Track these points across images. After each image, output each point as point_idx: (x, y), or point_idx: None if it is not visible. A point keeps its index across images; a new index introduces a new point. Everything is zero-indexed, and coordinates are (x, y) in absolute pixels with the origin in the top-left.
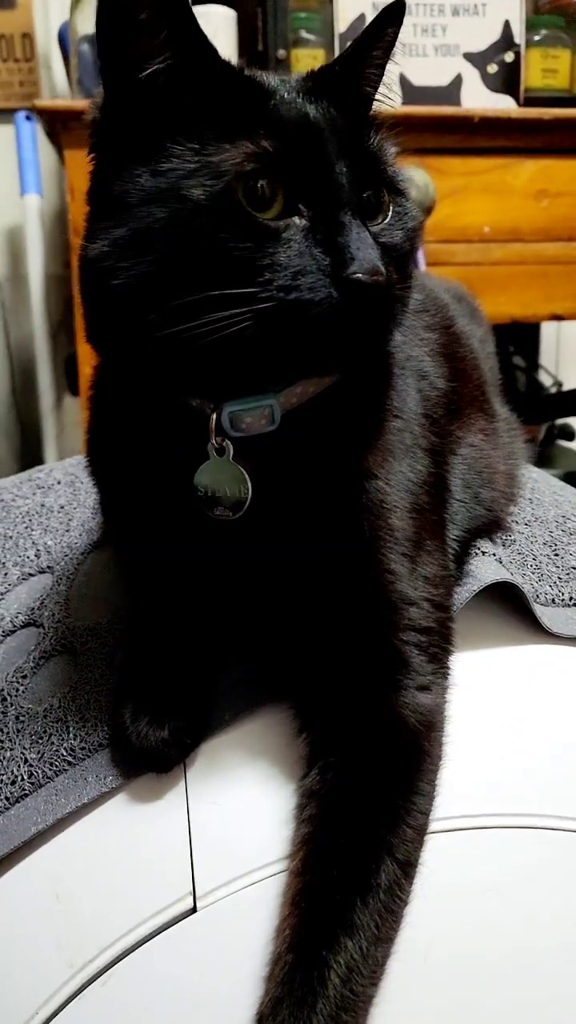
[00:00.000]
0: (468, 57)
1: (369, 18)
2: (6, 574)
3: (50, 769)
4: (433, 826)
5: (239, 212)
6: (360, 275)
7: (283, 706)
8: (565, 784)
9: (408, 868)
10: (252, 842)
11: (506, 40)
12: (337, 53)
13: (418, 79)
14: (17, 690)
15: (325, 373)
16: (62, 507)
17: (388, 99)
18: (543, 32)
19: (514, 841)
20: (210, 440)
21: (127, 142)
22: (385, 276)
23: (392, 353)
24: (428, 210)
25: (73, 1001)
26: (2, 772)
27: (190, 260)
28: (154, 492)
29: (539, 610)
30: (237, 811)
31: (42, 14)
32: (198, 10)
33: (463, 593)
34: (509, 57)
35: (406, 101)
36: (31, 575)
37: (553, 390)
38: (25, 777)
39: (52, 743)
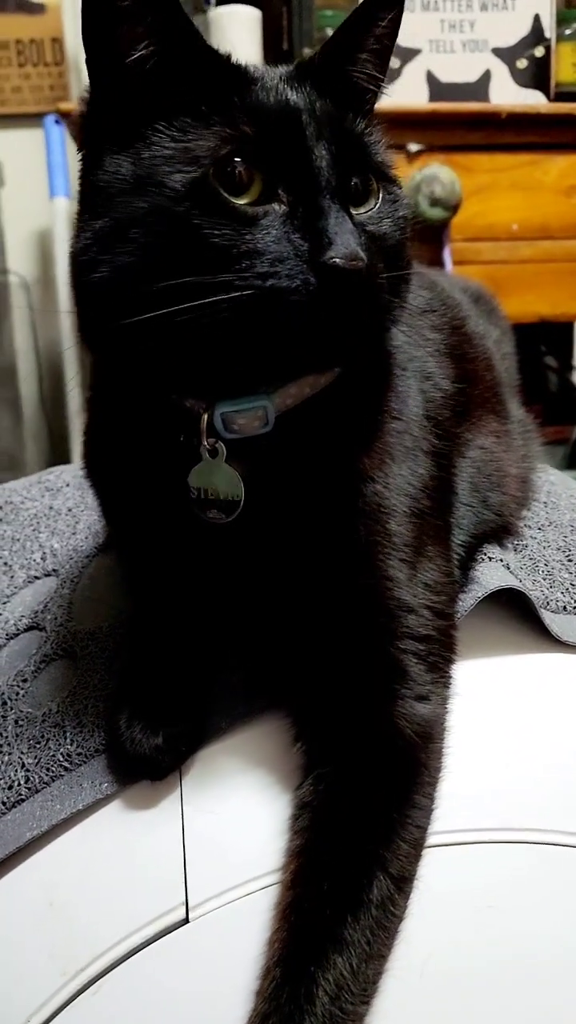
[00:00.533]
0: (497, 52)
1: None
2: (12, 577)
3: (47, 774)
4: (432, 840)
5: (216, 198)
6: (337, 260)
7: (281, 714)
8: (570, 799)
9: (402, 883)
10: (246, 852)
11: (536, 34)
12: None
13: (446, 76)
14: (17, 694)
15: (310, 365)
16: (70, 510)
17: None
18: (574, 26)
19: (516, 857)
20: (202, 441)
21: (111, 133)
22: (366, 262)
23: (391, 353)
24: (454, 208)
25: (65, 1009)
26: (0, 776)
27: (168, 249)
28: (150, 495)
29: (548, 618)
30: (232, 820)
31: (72, 19)
32: (223, 10)
33: (467, 600)
34: (539, 52)
35: (434, 98)
36: (37, 578)
37: None
38: (22, 782)
39: (49, 748)
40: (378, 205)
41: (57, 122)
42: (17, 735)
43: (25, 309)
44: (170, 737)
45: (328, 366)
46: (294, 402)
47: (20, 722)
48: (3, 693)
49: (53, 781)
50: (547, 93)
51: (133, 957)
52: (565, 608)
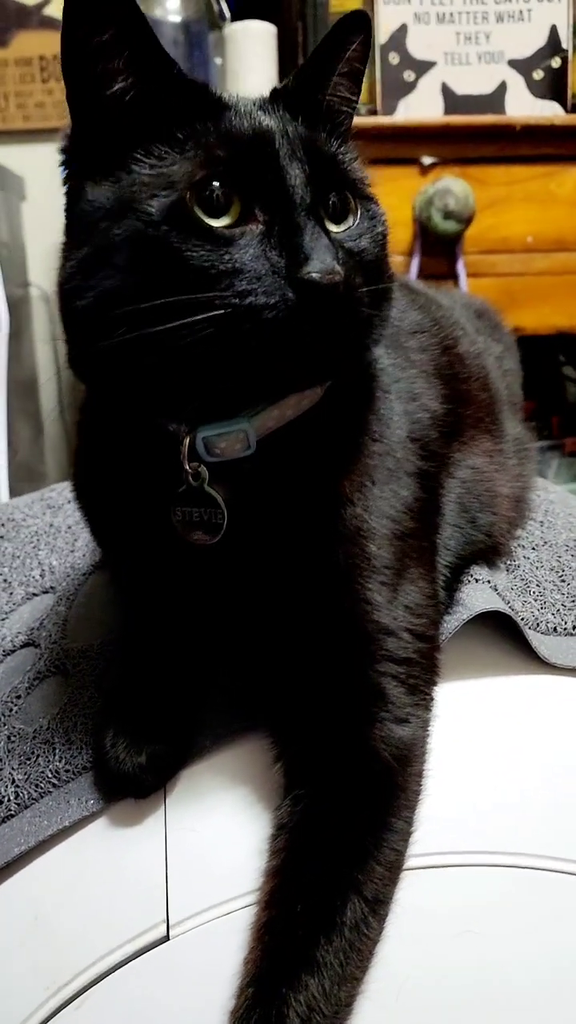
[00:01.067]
0: (513, 64)
1: (410, 28)
2: (11, 593)
3: (35, 791)
4: (411, 862)
5: (193, 221)
6: (314, 274)
7: (264, 734)
8: (549, 822)
9: (377, 906)
10: (227, 871)
11: (552, 46)
12: (379, 65)
13: (461, 88)
14: (11, 710)
15: (291, 381)
16: (69, 527)
17: (358, 110)
18: None
19: (495, 881)
20: (184, 465)
21: (91, 164)
22: (342, 276)
23: (375, 376)
24: (468, 220)
25: (48, 1023)
26: None
27: (149, 272)
28: (136, 518)
29: (536, 639)
30: (214, 839)
31: None
32: (238, 26)
33: (452, 622)
34: (556, 63)
35: (449, 110)
36: (35, 595)
37: None
38: (12, 798)
39: (39, 764)
40: (356, 222)
41: None
42: (9, 751)
43: (46, 322)
44: (154, 756)
45: (309, 382)
46: (275, 425)
47: (12, 738)
48: None
49: (42, 797)
50: (564, 104)
51: (115, 973)
52: (555, 629)
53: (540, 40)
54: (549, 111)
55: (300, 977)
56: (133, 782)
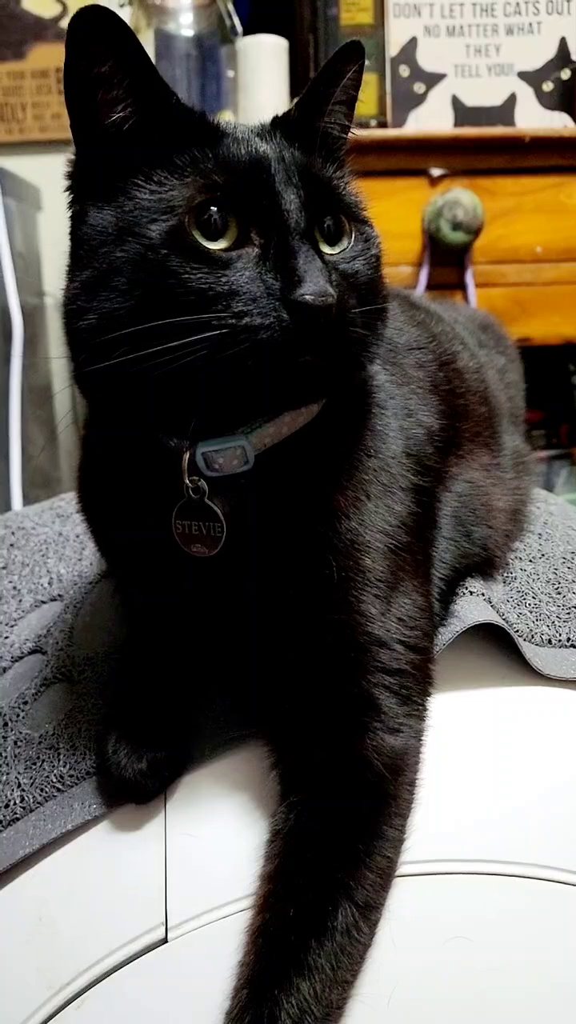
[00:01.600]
0: (523, 76)
1: (420, 42)
2: (20, 601)
3: (40, 795)
4: (403, 869)
5: (192, 244)
6: (307, 296)
7: (261, 742)
8: (541, 832)
9: (368, 911)
10: (226, 876)
11: (562, 57)
12: (389, 78)
13: (471, 100)
14: (18, 715)
15: (287, 399)
16: (78, 536)
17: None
18: None
19: (485, 888)
20: (184, 480)
21: (94, 189)
22: (335, 298)
23: (370, 392)
24: (476, 231)
25: (51, 1021)
26: None
27: (149, 294)
28: (138, 530)
29: (530, 651)
30: (213, 844)
31: None
32: (250, 40)
33: (446, 634)
34: (565, 75)
35: (459, 122)
36: (43, 602)
37: None
38: (17, 801)
39: (44, 769)
40: (350, 244)
41: None
42: (15, 756)
43: (61, 331)
44: (154, 762)
45: (304, 401)
46: (272, 441)
47: (19, 743)
48: (5, 714)
49: (46, 801)
50: (573, 115)
51: (115, 974)
52: (550, 641)
53: (549, 52)
54: (559, 122)
55: (292, 980)
56: (134, 788)
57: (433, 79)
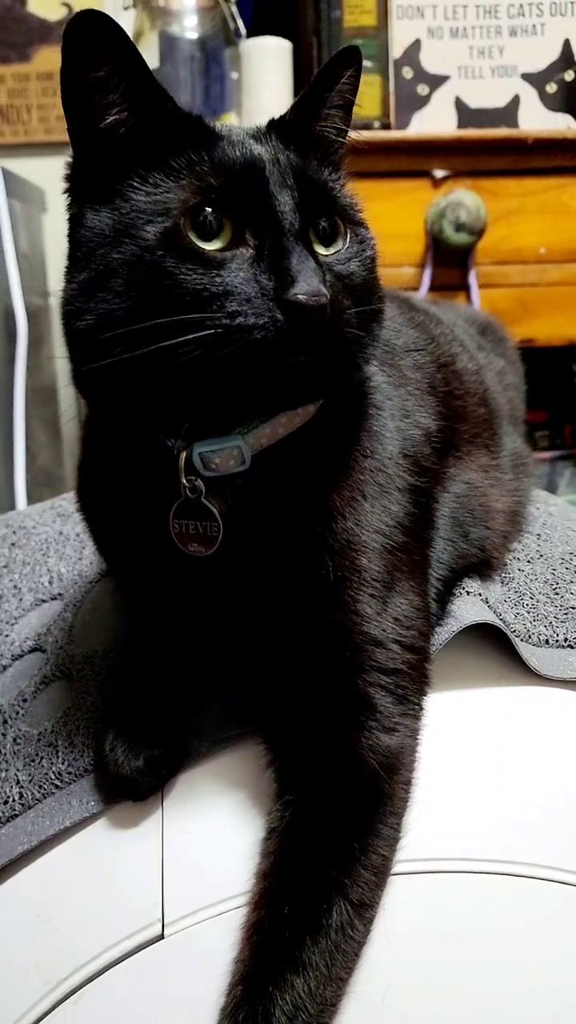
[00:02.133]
0: (526, 77)
1: (424, 44)
2: (21, 599)
3: (39, 791)
4: (398, 867)
5: (187, 246)
6: (300, 296)
7: (258, 740)
8: (537, 831)
9: (363, 909)
10: (222, 873)
11: (566, 59)
12: (392, 79)
13: (474, 101)
14: (18, 713)
15: (282, 399)
16: (78, 535)
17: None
18: None
19: (480, 886)
20: (180, 480)
21: (91, 191)
22: (328, 298)
23: (367, 393)
24: (479, 232)
25: (47, 1017)
26: None
27: (145, 295)
28: (136, 530)
29: (527, 651)
30: (210, 841)
31: None
32: (254, 42)
33: (443, 634)
34: (569, 76)
35: (462, 124)
36: (44, 601)
37: None
38: (16, 798)
39: (42, 766)
40: (345, 246)
41: None
42: (15, 753)
43: (61, 331)
44: (151, 760)
45: (299, 401)
46: (269, 442)
47: (18, 740)
48: (4, 712)
49: (45, 798)
50: None
51: (111, 970)
52: (547, 641)
53: (553, 54)
54: (562, 124)
55: (287, 976)
56: (131, 785)
57: (436, 81)
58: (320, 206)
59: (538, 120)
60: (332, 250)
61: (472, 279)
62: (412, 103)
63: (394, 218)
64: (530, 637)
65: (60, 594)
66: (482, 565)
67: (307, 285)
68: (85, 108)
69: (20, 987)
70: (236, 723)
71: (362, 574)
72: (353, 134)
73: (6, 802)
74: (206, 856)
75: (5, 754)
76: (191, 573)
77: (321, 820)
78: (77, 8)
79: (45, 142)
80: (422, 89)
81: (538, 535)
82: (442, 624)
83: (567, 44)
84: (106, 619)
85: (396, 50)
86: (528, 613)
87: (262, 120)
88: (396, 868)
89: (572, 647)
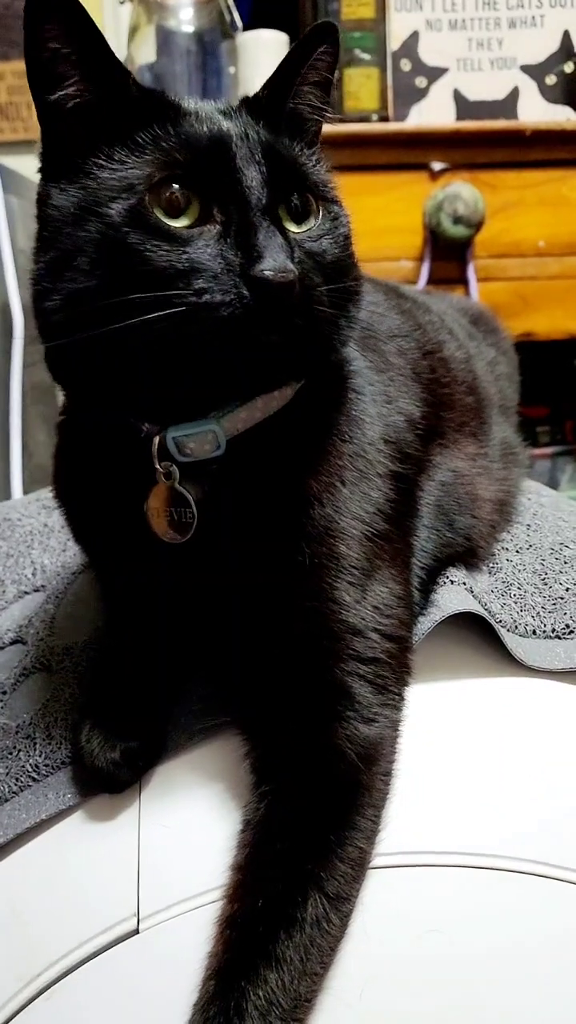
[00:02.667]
0: (525, 69)
1: (422, 36)
2: (4, 592)
3: (15, 784)
4: (377, 861)
5: (153, 223)
6: (267, 272)
7: (237, 730)
8: (520, 825)
9: (339, 903)
10: (199, 867)
11: (565, 50)
12: (391, 72)
13: (473, 94)
14: None
15: (253, 380)
16: (63, 527)
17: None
18: None
19: (461, 880)
20: (154, 464)
21: (57, 169)
22: (296, 274)
23: (346, 377)
24: (477, 225)
25: (20, 1014)
26: None
27: (112, 273)
28: (112, 517)
29: (513, 642)
30: (187, 834)
31: (114, 46)
32: (250, 35)
33: (425, 623)
34: (569, 67)
35: (461, 116)
36: (27, 593)
37: None
38: None
39: (19, 759)
40: (317, 223)
41: None
42: None
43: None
44: (128, 752)
45: (271, 382)
46: (244, 426)
47: None
48: None
49: (21, 791)
50: None
51: (85, 965)
52: (534, 632)
53: (553, 45)
54: (562, 116)
55: (259, 971)
56: (107, 777)
57: (435, 73)
58: (290, 182)
59: (538, 112)
60: (304, 227)
61: (470, 272)
62: (410, 95)
63: (392, 211)
64: (517, 627)
65: (43, 586)
66: (468, 554)
67: (273, 261)
68: (45, 81)
69: None
70: (215, 714)
71: (340, 561)
72: (350, 126)
73: None
74: (183, 849)
75: None
76: (167, 561)
77: (297, 812)
78: None
79: None
80: (420, 81)
81: (528, 525)
82: (425, 614)
83: (567, 35)
84: (88, 610)
85: (394, 42)
86: (515, 603)
87: None
88: (376, 861)
89: (560, 637)
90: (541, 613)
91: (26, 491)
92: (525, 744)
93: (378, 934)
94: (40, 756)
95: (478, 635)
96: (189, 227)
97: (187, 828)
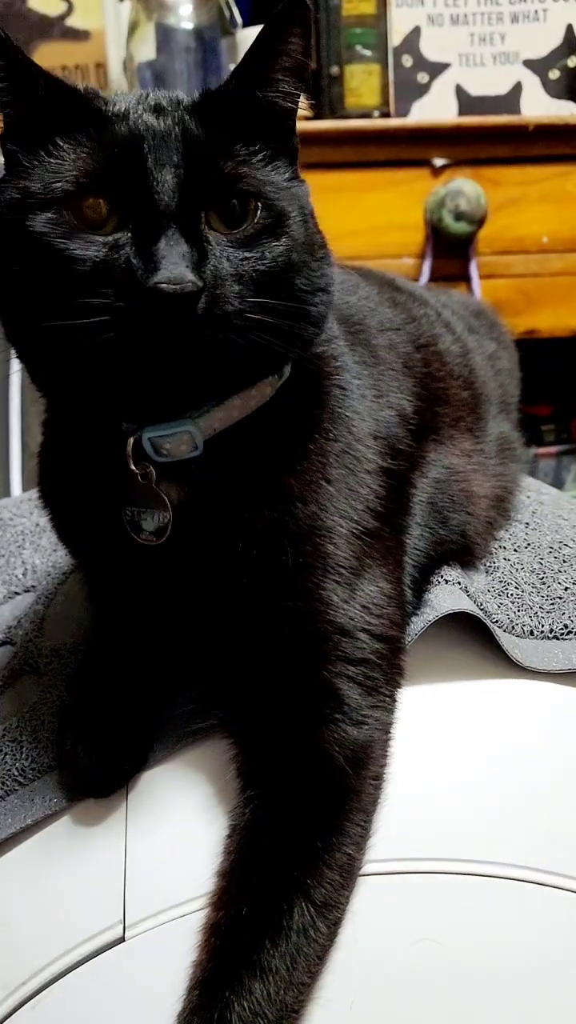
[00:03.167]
0: (528, 64)
1: (424, 31)
2: None
3: (1, 789)
4: (368, 868)
5: (71, 231)
6: (161, 283)
7: (224, 734)
8: (515, 830)
9: (326, 911)
10: (185, 874)
11: (569, 45)
12: (392, 68)
13: (476, 89)
14: None
15: (182, 391)
16: None
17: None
18: None
19: (454, 888)
20: (129, 465)
21: (7, 163)
22: (198, 286)
23: (329, 374)
24: (479, 221)
25: (5, 1022)
26: None
27: (39, 278)
28: (93, 518)
29: (509, 642)
30: (174, 840)
31: (115, 45)
32: (250, 31)
33: (418, 624)
34: (572, 62)
35: (463, 112)
36: (17, 594)
37: None
38: None
39: (5, 763)
40: (250, 225)
41: None
42: None
43: None
44: (114, 756)
45: (206, 392)
46: (222, 426)
47: None
48: None
49: (7, 796)
50: None
51: (70, 974)
52: (532, 632)
53: (556, 40)
54: (565, 111)
55: (244, 981)
56: (93, 782)
57: (437, 69)
58: (217, 184)
59: (540, 107)
60: (235, 232)
61: (473, 269)
62: (412, 91)
63: (393, 208)
64: (514, 628)
65: (34, 586)
66: (463, 552)
67: (168, 271)
68: None
69: None
70: (201, 717)
71: (327, 560)
72: (352, 122)
73: None
74: (170, 855)
75: None
76: (149, 562)
77: (284, 817)
78: (76, 3)
79: None
80: (422, 77)
81: (527, 523)
82: (418, 614)
83: (570, 30)
84: (78, 611)
85: (396, 38)
86: (512, 603)
87: None
88: (367, 868)
89: (558, 638)
90: (539, 613)
91: (26, 489)
92: (522, 747)
93: (369, 942)
94: (27, 760)
95: (473, 636)
96: (106, 234)
97: (174, 834)
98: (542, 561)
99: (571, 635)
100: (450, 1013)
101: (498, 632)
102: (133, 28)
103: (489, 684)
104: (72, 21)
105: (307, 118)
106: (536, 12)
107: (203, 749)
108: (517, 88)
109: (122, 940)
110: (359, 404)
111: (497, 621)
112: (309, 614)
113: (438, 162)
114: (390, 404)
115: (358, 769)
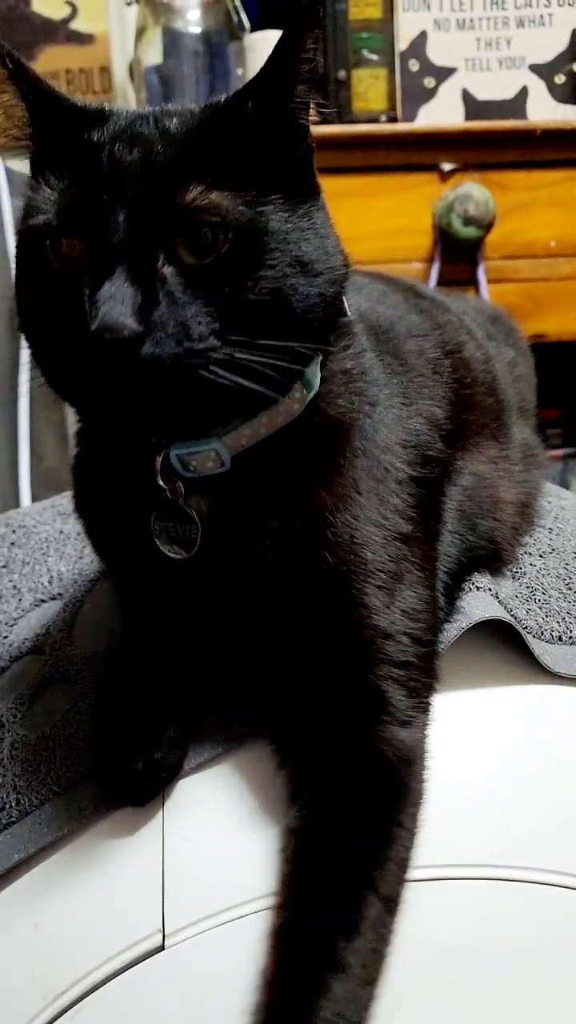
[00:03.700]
0: (534, 69)
1: (430, 36)
2: (20, 600)
3: (36, 798)
4: (413, 874)
5: (49, 271)
6: (97, 329)
7: (263, 741)
8: (552, 836)
9: (391, 905)
10: (224, 881)
11: (574, 49)
12: (399, 72)
13: (482, 94)
14: (15, 716)
15: (173, 422)
16: (79, 533)
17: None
18: None
19: (494, 894)
20: (157, 480)
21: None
22: (138, 330)
23: (360, 392)
24: (488, 226)
25: None
26: None
27: (34, 311)
28: (125, 529)
29: (540, 648)
30: (212, 847)
31: (119, 49)
32: (258, 35)
33: (452, 630)
34: None
35: (470, 116)
36: (43, 601)
37: None
38: (13, 805)
39: (40, 772)
40: (215, 258)
41: None
42: (12, 758)
43: None
44: (151, 764)
45: (178, 424)
46: (249, 443)
47: (16, 745)
48: (2, 716)
49: (42, 804)
50: None
51: (110, 982)
52: (560, 638)
53: (561, 44)
54: (572, 115)
55: (326, 981)
56: (130, 790)
57: (443, 73)
58: (173, 218)
59: (547, 112)
60: (205, 260)
61: (481, 274)
62: (419, 96)
63: (401, 212)
64: (543, 633)
65: (60, 594)
66: (492, 558)
67: (104, 318)
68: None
69: (17, 1001)
70: (239, 724)
71: (367, 566)
72: (359, 127)
73: (3, 809)
74: (209, 863)
75: (3, 759)
76: (182, 573)
77: (343, 817)
78: (81, 7)
79: None
80: (429, 82)
81: (550, 529)
82: (451, 620)
83: (575, 34)
84: (106, 619)
85: (402, 42)
86: (540, 609)
87: None
88: (412, 874)
89: None
90: (567, 619)
91: (35, 496)
92: (554, 753)
93: (410, 951)
94: (61, 768)
95: (503, 642)
96: (78, 273)
97: (213, 841)
98: (567, 567)
99: None
100: (493, 1021)
101: (529, 638)
102: (141, 32)
103: (521, 690)
104: (76, 25)
105: (314, 122)
106: (542, 17)
107: (240, 755)
108: (523, 93)
109: (162, 948)
110: (387, 415)
111: (527, 627)
112: (353, 620)
113: (446, 167)
114: (420, 411)
115: (408, 767)
